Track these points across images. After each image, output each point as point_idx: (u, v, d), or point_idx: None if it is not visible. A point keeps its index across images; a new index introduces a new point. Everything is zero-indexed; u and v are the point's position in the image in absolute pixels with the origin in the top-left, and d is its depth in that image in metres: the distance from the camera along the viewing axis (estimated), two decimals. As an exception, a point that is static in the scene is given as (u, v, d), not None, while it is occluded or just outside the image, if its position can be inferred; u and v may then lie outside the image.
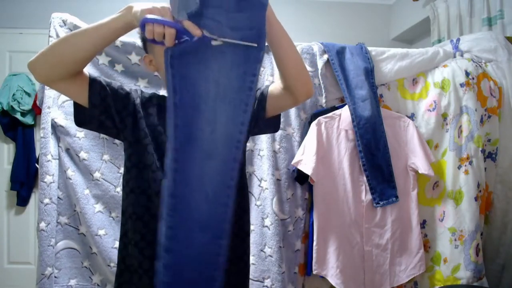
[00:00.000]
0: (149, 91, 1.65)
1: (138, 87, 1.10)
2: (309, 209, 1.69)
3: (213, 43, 0.77)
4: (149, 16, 0.78)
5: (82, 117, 1.01)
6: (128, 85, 1.64)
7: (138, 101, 1.05)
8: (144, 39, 1.05)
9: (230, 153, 0.81)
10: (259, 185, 1.67)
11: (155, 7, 0.82)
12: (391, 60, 1.78)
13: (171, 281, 0.78)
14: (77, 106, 1.00)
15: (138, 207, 1.01)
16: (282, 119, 1.44)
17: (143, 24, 0.78)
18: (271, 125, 1.16)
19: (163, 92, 1.67)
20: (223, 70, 0.79)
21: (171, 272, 0.78)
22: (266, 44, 0.88)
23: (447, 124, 1.73)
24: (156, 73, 1.67)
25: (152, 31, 0.78)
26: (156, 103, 1.08)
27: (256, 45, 0.79)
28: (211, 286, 0.81)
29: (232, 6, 0.77)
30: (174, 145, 0.77)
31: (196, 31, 0.77)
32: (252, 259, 1.57)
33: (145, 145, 1.01)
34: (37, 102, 1.74)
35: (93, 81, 0.99)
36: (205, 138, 0.79)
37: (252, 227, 1.60)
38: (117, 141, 1.63)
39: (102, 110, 1.00)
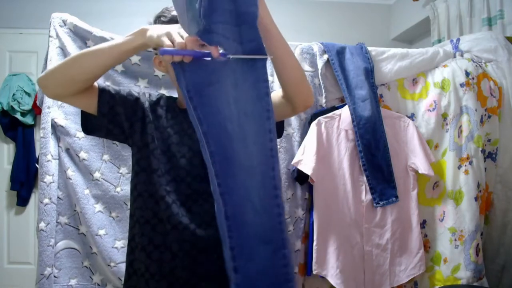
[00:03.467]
0: (149, 91, 1.67)
1: (146, 91, 1.13)
2: (309, 209, 1.69)
3: (226, 58, 0.77)
4: (167, 48, 0.78)
5: (90, 125, 1.03)
6: (129, 85, 1.64)
7: (146, 105, 1.06)
8: None
9: (266, 163, 0.81)
10: (259, 185, 1.67)
11: (171, 31, 0.80)
12: (391, 60, 1.78)
13: None
14: (84, 115, 1.02)
15: (146, 211, 1.01)
16: (282, 119, 1.44)
17: (162, 54, 0.78)
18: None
19: (163, 91, 1.67)
20: (238, 86, 0.80)
21: None
22: None
23: (447, 124, 1.73)
24: (156, 74, 1.67)
25: (171, 57, 0.78)
26: (164, 104, 1.09)
27: (267, 57, 0.82)
28: None
29: (233, 21, 0.77)
30: (214, 170, 0.77)
31: (216, 53, 0.77)
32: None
33: (153, 149, 1.02)
34: (37, 102, 1.74)
35: (102, 91, 1.00)
36: (240, 156, 0.79)
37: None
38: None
39: (111, 118, 1.01)
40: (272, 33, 0.89)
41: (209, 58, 0.77)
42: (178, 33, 0.81)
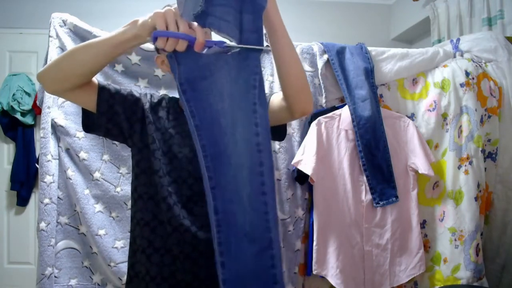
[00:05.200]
0: (149, 91, 1.67)
1: (148, 92, 1.12)
2: (309, 209, 1.69)
3: (224, 45, 0.76)
4: (161, 30, 0.75)
5: (90, 123, 1.02)
6: (129, 85, 1.64)
7: (147, 106, 1.05)
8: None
9: (253, 158, 0.78)
10: (259, 185, 1.66)
11: (168, 11, 0.77)
12: (391, 60, 1.78)
13: None
14: (85, 112, 1.01)
15: (146, 213, 1.00)
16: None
17: (154, 38, 0.76)
18: (277, 133, 1.13)
19: (163, 91, 1.67)
20: (230, 78, 0.79)
21: (230, 287, 0.77)
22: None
23: (447, 124, 1.73)
24: (156, 74, 1.67)
25: (165, 43, 0.75)
26: (166, 105, 1.08)
27: (267, 48, 0.81)
28: None
29: (236, 6, 0.76)
30: (205, 163, 0.76)
31: (200, 39, 0.75)
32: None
33: (153, 151, 1.01)
34: (37, 102, 1.74)
35: (102, 89, 0.99)
36: (230, 150, 0.78)
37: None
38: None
39: (109, 118, 1.00)
40: (280, 34, 0.87)
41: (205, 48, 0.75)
42: (172, 17, 0.77)
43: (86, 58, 0.90)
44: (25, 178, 2.88)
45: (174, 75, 0.78)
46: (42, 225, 1.53)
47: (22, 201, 2.94)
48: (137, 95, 1.06)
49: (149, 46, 1.57)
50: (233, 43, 0.77)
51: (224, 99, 0.78)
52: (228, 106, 0.78)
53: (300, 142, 1.68)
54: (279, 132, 1.15)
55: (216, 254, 0.77)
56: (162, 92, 1.68)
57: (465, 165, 1.66)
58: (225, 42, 0.77)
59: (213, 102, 0.77)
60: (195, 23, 0.77)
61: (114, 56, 0.91)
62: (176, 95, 1.15)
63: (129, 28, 0.83)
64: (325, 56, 1.73)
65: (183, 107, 0.78)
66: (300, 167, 1.57)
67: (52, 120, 1.57)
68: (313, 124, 1.62)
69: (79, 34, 1.60)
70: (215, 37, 0.85)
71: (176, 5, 0.78)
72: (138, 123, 1.03)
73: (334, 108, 1.71)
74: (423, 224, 1.73)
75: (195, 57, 0.77)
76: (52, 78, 0.93)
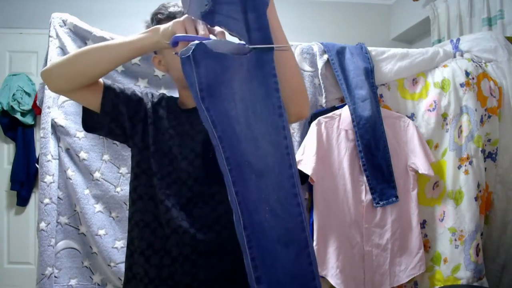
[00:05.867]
0: (149, 90, 1.67)
1: (148, 91, 1.11)
2: (309, 209, 1.69)
3: (245, 49, 0.74)
4: (181, 35, 0.76)
5: (91, 123, 1.01)
6: (129, 85, 1.64)
7: (149, 105, 1.04)
8: None
9: (283, 161, 0.78)
10: (259, 185, 1.67)
11: (187, 18, 0.79)
12: (391, 60, 1.78)
13: None
14: (86, 112, 1.00)
15: (145, 214, 0.99)
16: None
17: (175, 42, 0.76)
18: None
19: (163, 91, 1.67)
20: (247, 83, 0.76)
21: None
22: None
23: (447, 124, 1.73)
24: (156, 74, 1.67)
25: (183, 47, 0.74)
26: (166, 105, 1.07)
27: (289, 45, 0.80)
28: None
29: (240, 5, 0.75)
30: (231, 177, 0.73)
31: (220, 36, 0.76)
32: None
33: (153, 151, 1.00)
34: (37, 102, 1.74)
35: (107, 89, 0.98)
36: (255, 159, 0.76)
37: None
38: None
39: (114, 117, 0.99)
40: (277, 35, 0.86)
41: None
42: (191, 23, 0.79)
43: (103, 60, 0.90)
44: (25, 178, 2.89)
45: (189, 80, 0.71)
46: (42, 225, 1.53)
47: (22, 201, 2.94)
48: (140, 95, 1.06)
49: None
50: (254, 45, 0.75)
51: (244, 104, 0.75)
52: (247, 112, 0.76)
53: (300, 142, 1.68)
54: None
55: (248, 270, 0.74)
56: (162, 92, 1.68)
57: (465, 165, 1.66)
58: (245, 44, 0.75)
59: (231, 108, 0.74)
60: (217, 28, 0.77)
61: (131, 59, 0.93)
62: (175, 95, 1.15)
63: (151, 35, 0.86)
64: (325, 56, 1.73)
65: (201, 117, 0.72)
66: (300, 167, 1.57)
67: (52, 120, 1.57)
68: (313, 124, 1.62)
69: (79, 34, 1.60)
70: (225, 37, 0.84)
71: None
72: (140, 123, 1.02)
73: (334, 108, 1.71)
74: (423, 224, 1.73)
75: (218, 58, 0.71)
76: (60, 77, 0.92)
